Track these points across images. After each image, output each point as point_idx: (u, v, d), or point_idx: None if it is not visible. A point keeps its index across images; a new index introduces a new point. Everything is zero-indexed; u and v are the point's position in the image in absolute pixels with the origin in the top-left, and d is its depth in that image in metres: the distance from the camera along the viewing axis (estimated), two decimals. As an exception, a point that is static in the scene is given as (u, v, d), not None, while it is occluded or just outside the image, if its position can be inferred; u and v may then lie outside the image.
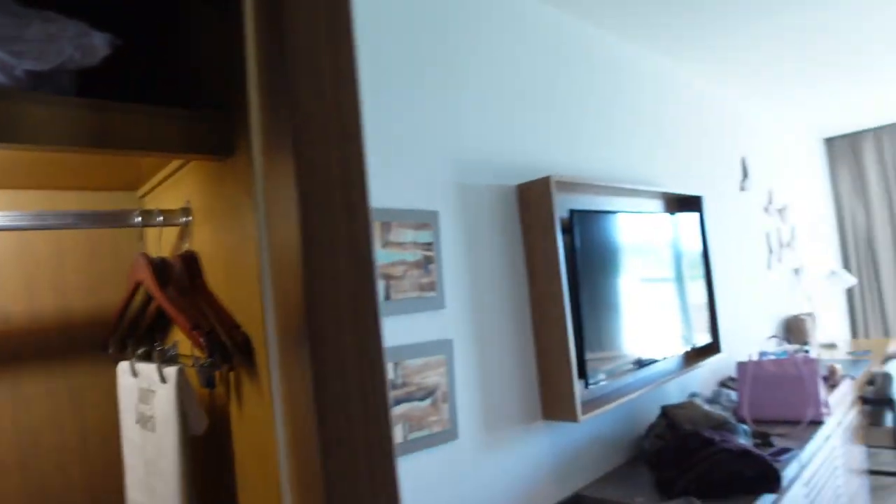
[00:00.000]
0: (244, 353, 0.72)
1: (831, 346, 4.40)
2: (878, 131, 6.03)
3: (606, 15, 2.53)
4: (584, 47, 2.53)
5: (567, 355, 1.93)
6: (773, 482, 1.92)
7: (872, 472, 3.55)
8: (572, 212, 2.11)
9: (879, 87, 4.40)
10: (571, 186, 2.23)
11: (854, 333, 6.06)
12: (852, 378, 3.28)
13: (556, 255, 1.95)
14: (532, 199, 2.00)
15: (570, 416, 1.95)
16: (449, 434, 1.67)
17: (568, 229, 2.09)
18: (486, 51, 2.02)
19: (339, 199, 0.60)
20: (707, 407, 2.34)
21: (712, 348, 2.93)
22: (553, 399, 1.99)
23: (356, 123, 0.62)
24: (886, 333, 5.96)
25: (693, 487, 1.93)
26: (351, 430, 0.58)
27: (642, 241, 2.52)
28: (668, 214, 2.77)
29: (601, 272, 2.24)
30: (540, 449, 2.01)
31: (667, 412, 2.34)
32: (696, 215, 3.00)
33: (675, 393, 2.79)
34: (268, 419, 0.67)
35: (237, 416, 0.77)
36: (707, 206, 3.29)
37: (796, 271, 4.70)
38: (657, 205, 2.83)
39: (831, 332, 5.19)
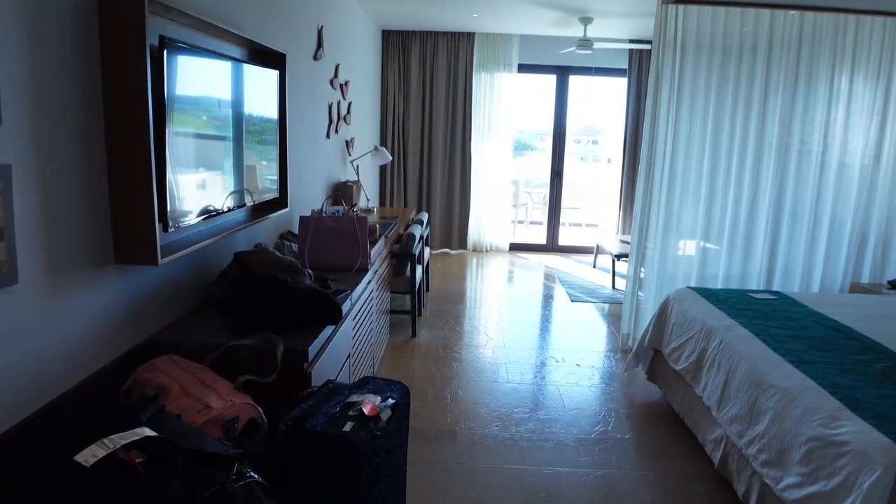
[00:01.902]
0: None
1: (369, 210, 5.12)
2: (424, 34, 6.95)
3: None
4: None
5: (150, 198, 1.79)
6: (336, 315, 2.21)
7: (392, 312, 4.39)
8: (164, 39, 1.90)
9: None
10: (159, 7, 1.97)
11: (382, 202, 7.15)
12: (385, 237, 3.92)
13: (144, 88, 1.74)
14: (119, 15, 1.72)
15: (150, 260, 1.84)
16: (7, 277, 1.41)
17: (155, 59, 1.88)
18: None
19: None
20: (277, 253, 2.50)
21: (279, 203, 3.09)
22: (130, 242, 1.84)
23: None
24: (406, 205, 7.21)
25: (267, 323, 2.08)
26: None
27: (228, 87, 2.45)
28: (255, 66, 2.73)
29: (187, 114, 2.11)
30: (113, 294, 1.86)
31: (240, 258, 2.41)
32: (276, 73, 3.02)
33: (243, 243, 2.88)
34: None
35: None
36: (289, 65, 3.34)
37: (347, 143, 5.23)
38: (241, 53, 2.74)
39: (370, 198, 6.02)
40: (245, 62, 2.65)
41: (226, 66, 2.44)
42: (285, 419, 1.73)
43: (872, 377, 2.30)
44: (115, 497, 1.23)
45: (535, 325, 4.91)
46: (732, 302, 3.26)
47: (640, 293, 4.39)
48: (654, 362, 3.55)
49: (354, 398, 1.83)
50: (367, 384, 1.98)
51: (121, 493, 1.23)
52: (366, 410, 1.77)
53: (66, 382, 1.66)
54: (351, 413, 1.76)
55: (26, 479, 1.37)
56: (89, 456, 1.25)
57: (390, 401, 1.86)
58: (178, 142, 2.02)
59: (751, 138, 4.40)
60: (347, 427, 1.70)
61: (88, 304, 1.75)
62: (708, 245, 4.56)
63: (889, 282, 4.43)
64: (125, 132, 1.76)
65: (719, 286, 4.47)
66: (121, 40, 1.72)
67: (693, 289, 3.55)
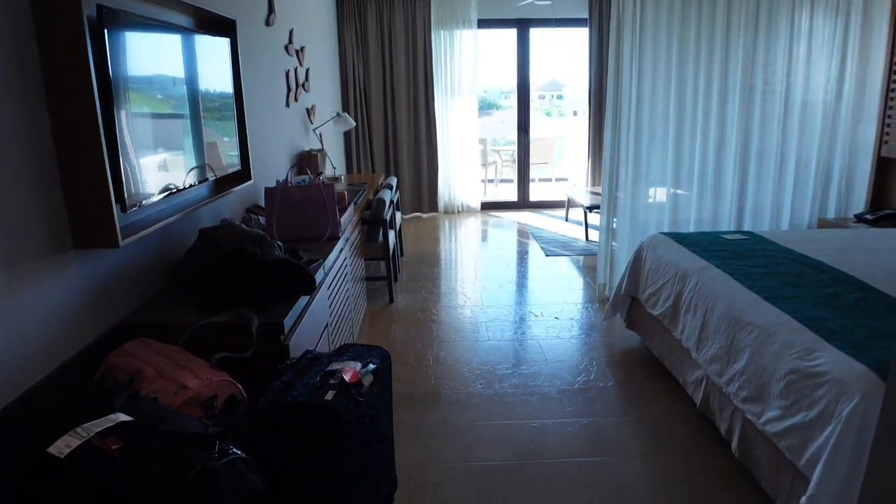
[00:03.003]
0: None
1: (336, 178, 5.02)
2: (378, -9, 6.75)
3: None
4: None
5: (104, 178, 1.71)
6: (309, 286, 2.17)
7: (368, 279, 4.35)
8: (101, 8, 1.79)
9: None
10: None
11: (349, 169, 7.04)
12: (355, 203, 3.86)
13: (84, 62, 1.64)
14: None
15: (111, 243, 1.77)
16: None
17: (95, 32, 1.77)
18: None
19: None
20: (244, 227, 2.43)
21: (243, 176, 3.00)
22: (88, 226, 1.76)
23: None
24: (374, 170, 7.11)
25: (238, 298, 2.03)
26: None
27: (177, 56, 2.34)
28: (203, 34, 2.61)
29: (137, 88, 2.02)
30: (75, 281, 1.79)
31: (205, 233, 2.33)
32: (226, 40, 2.90)
33: (208, 220, 2.79)
34: None
35: None
36: (240, 32, 3.21)
37: (308, 111, 5.10)
38: (187, 21, 2.61)
39: (336, 166, 5.91)
40: (192, 30, 2.53)
41: (172, 36, 2.33)
42: (265, 393, 1.70)
43: (845, 308, 2.34)
44: (94, 486, 1.19)
45: (511, 281, 4.92)
46: (705, 244, 3.28)
47: (613, 243, 4.41)
48: (632, 309, 3.58)
49: (334, 366, 1.80)
50: (346, 351, 1.95)
51: (99, 481, 1.19)
52: (347, 378, 1.74)
53: (34, 375, 1.60)
54: (332, 381, 1.73)
55: (-2, 475, 1.32)
56: (63, 447, 1.20)
57: (371, 366, 1.84)
58: (129, 115, 1.92)
59: (715, 81, 4.39)
60: (329, 396, 1.67)
61: (50, 294, 1.67)
62: (678, 191, 4.58)
63: (856, 215, 4.51)
64: (70, 110, 1.67)
65: (691, 230, 4.50)
66: (55, 12, 1.61)
67: (666, 234, 3.56)
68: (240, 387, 1.76)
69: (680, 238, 3.43)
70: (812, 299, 2.44)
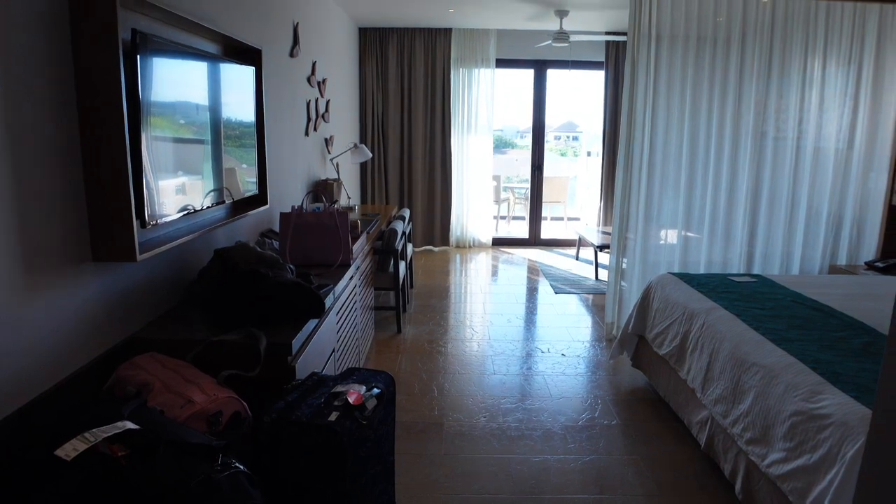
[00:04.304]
0: None
1: (350, 208, 5.09)
2: (401, 31, 6.94)
3: None
4: None
5: (126, 193, 1.77)
6: (318, 309, 2.20)
7: (377, 308, 4.37)
8: (136, 33, 1.88)
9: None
10: (131, 1, 1.94)
11: (364, 199, 7.13)
12: (367, 233, 3.91)
13: (117, 82, 1.72)
14: (90, 7, 1.69)
15: (129, 257, 1.82)
16: (-22, 270, 1.38)
17: (128, 55, 1.85)
18: None
19: None
20: (258, 249, 2.48)
21: (259, 200, 3.07)
22: (107, 239, 1.81)
23: None
24: (388, 202, 7.19)
25: (250, 319, 2.06)
26: None
27: (203, 79, 2.43)
28: (229, 62, 2.70)
29: (162, 109, 2.09)
30: (90, 292, 1.83)
31: (221, 253, 2.38)
32: (251, 69, 3.00)
33: (223, 241, 2.85)
34: None
35: None
36: (265, 62, 3.31)
37: (327, 141, 5.20)
38: (215, 49, 2.71)
39: (351, 196, 5.99)
40: (219, 57, 2.62)
41: (199, 63, 2.42)
42: (270, 412, 1.72)
43: (852, 352, 2.33)
44: (98, 491, 1.21)
45: (519, 317, 4.92)
46: (713, 285, 3.29)
47: (622, 283, 4.42)
48: (639, 348, 3.57)
49: (339, 389, 1.82)
50: (351, 375, 1.97)
51: (103, 486, 1.21)
52: (351, 400, 1.76)
53: (45, 382, 1.63)
54: (336, 403, 1.75)
55: (5, 475, 1.34)
56: (70, 450, 1.23)
57: (375, 390, 1.86)
58: (153, 137, 1.99)
59: (727, 126, 4.45)
60: (332, 417, 1.69)
61: (66, 303, 1.72)
62: (689, 234, 4.60)
63: (866, 263, 4.50)
64: (99, 128, 1.74)
65: (701, 273, 4.51)
66: (92, 32, 1.69)
67: (674, 274, 3.57)
68: (245, 404, 1.78)
69: (688, 278, 3.44)
70: (819, 342, 2.44)
